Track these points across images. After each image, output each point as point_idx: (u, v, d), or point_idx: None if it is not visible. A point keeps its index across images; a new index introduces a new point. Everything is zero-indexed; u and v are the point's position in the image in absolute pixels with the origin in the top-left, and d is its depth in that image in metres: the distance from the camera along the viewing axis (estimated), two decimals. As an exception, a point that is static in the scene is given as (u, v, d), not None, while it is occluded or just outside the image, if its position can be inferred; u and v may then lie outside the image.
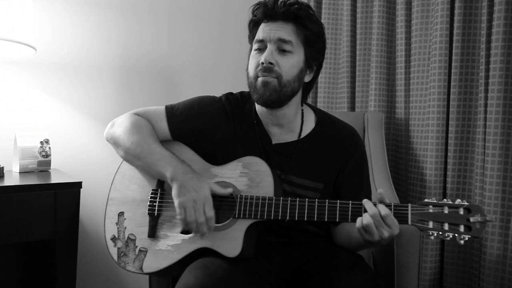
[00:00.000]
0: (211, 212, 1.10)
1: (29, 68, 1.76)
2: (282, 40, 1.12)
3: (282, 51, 1.13)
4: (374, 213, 1.00)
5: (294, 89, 1.17)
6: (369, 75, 2.03)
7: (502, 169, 1.56)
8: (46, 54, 1.78)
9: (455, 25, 1.71)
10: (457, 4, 1.70)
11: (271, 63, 1.12)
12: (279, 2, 1.14)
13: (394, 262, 1.41)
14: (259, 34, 1.16)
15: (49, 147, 1.65)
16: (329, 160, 1.22)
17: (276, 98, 1.14)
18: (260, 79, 1.14)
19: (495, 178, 1.57)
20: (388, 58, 2.00)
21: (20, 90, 1.75)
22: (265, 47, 1.14)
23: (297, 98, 1.21)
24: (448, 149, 1.75)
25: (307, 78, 1.21)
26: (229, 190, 1.13)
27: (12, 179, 1.50)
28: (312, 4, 2.19)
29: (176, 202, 1.10)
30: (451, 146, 1.73)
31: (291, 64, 1.14)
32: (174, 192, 1.11)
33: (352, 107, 2.10)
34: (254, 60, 1.16)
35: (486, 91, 1.62)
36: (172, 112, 1.25)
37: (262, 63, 1.12)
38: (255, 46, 1.17)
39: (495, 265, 1.57)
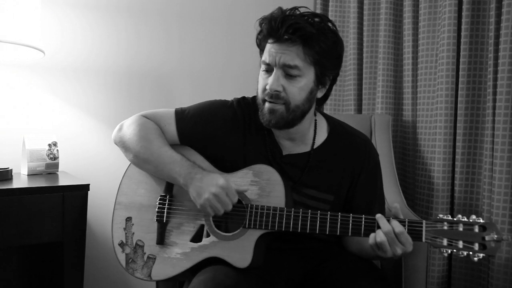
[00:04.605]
0: (235, 197, 1.10)
1: (38, 71, 1.77)
2: (288, 66, 1.06)
3: (289, 76, 1.07)
4: (388, 230, 0.99)
5: (305, 111, 1.12)
6: (376, 77, 2.02)
7: (511, 172, 1.55)
8: (55, 57, 1.79)
9: (463, 27, 1.70)
10: (464, 6, 1.69)
11: (277, 91, 1.07)
12: (284, 25, 1.04)
13: (402, 265, 1.40)
14: (265, 55, 1.09)
15: (57, 150, 1.66)
16: (341, 171, 1.19)
17: (284, 123, 1.10)
18: (267, 105, 1.10)
19: (503, 181, 1.55)
20: (395, 60, 1.99)
21: (29, 93, 1.76)
22: (272, 70, 1.08)
23: (311, 112, 1.16)
24: (456, 152, 1.74)
25: (319, 94, 1.15)
26: (244, 188, 1.12)
27: (21, 181, 1.50)
28: (318, 6, 2.19)
29: (198, 205, 1.10)
30: (459, 149, 1.72)
31: (299, 88, 1.08)
32: (192, 197, 1.10)
33: (359, 110, 2.09)
34: (262, 82, 1.11)
35: (494, 93, 1.61)
36: (181, 116, 1.21)
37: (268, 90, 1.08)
38: (262, 66, 1.12)
39: (504, 269, 1.55)
